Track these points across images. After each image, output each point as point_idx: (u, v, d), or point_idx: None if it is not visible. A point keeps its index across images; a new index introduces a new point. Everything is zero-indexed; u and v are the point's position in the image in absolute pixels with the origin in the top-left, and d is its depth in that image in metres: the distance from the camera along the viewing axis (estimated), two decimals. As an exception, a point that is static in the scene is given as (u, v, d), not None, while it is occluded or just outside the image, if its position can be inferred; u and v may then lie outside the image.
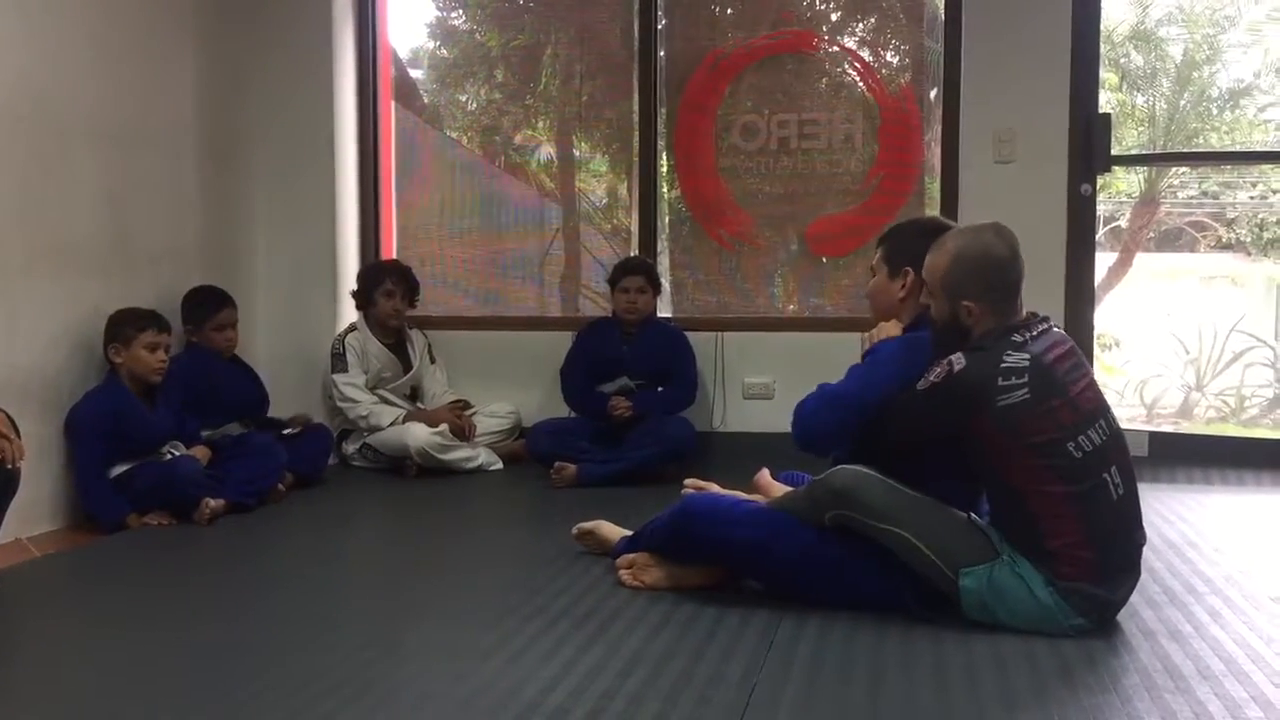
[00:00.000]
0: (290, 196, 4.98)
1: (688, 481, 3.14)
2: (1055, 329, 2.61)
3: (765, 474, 3.08)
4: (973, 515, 2.60)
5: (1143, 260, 7.05)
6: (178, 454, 3.81)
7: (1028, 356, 2.48)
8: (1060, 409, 2.46)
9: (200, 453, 3.87)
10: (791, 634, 2.48)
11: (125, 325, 3.78)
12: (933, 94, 4.94)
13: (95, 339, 3.83)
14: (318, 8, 4.97)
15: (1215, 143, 6.88)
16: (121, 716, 2.10)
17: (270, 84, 4.94)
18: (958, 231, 2.71)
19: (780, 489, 2.96)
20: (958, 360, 2.49)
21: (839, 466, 2.62)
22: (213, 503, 3.65)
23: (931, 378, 2.51)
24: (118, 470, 3.69)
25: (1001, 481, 2.53)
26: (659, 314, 4.83)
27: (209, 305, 4.25)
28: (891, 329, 2.81)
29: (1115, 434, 2.54)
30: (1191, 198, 7.39)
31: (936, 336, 2.64)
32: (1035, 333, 2.54)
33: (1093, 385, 2.57)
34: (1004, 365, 2.46)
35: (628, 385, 4.58)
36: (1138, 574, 2.58)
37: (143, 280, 4.14)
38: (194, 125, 4.53)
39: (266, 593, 2.94)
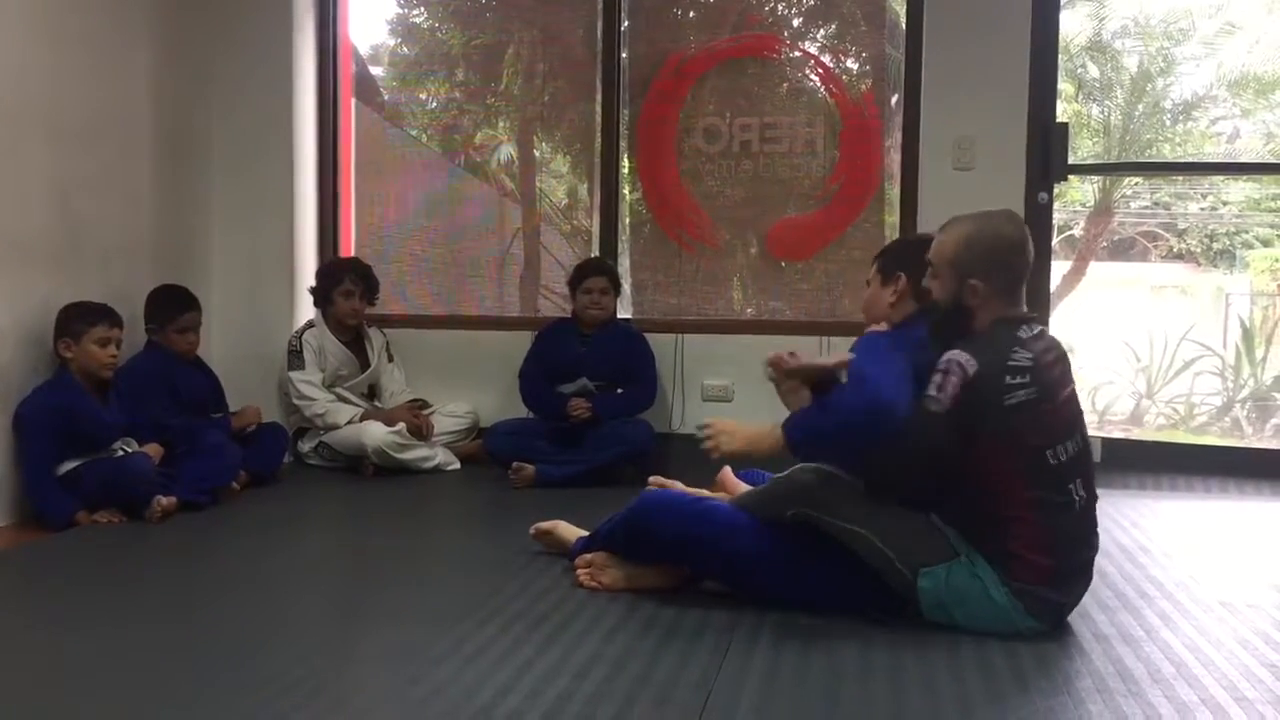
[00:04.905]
0: (247, 192, 4.92)
1: (652, 479, 3.15)
2: (1049, 333, 2.61)
3: (728, 472, 3.09)
4: (933, 516, 2.60)
5: (1096, 269, 7.17)
6: (129, 451, 3.75)
7: (1031, 355, 2.47)
8: (1049, 414, 2.47)
9: (153, 450, 3.81)
10: (749, 636, 2.49)
11: (76, 320, 3.72)
12: (893, 100, 4.97)
13: (45, 333, 3.76)
14: (277, 2, 4.91)
15: (1168, 154, 7.01)
16: (69, 717, 2.06)
17: (228, 78, 4.88)
18: (969, 214, 2.65)
19: (743, 487, 2.97)
20: (968, 363, 2.42)
21: (801, 465, 2.62)
22: (164, 501, 3.60)
23: (950, 389, 2.42)
24: (67, 467, 3.63)
25: (977, 482, 2.49)
26: (619, 315, 4.83)
27: (173, 307, 4.18)
28: (879, 330, 2.80)
29: (1085, 446, 2.55)
30: (1144, 208, 7.51)
31: (938, 320, 2.60)
32: (1035, 332, 2.54)
33: (1074, 396, 2.58)
34: (1010, 363, 2.44)
35: (587, 386, 4.56)
36: (1089, 580, 2.61)
37: (94, 275, 4.07)
38: (149, 118, 4.47)
39: (218, 593, 2.90)
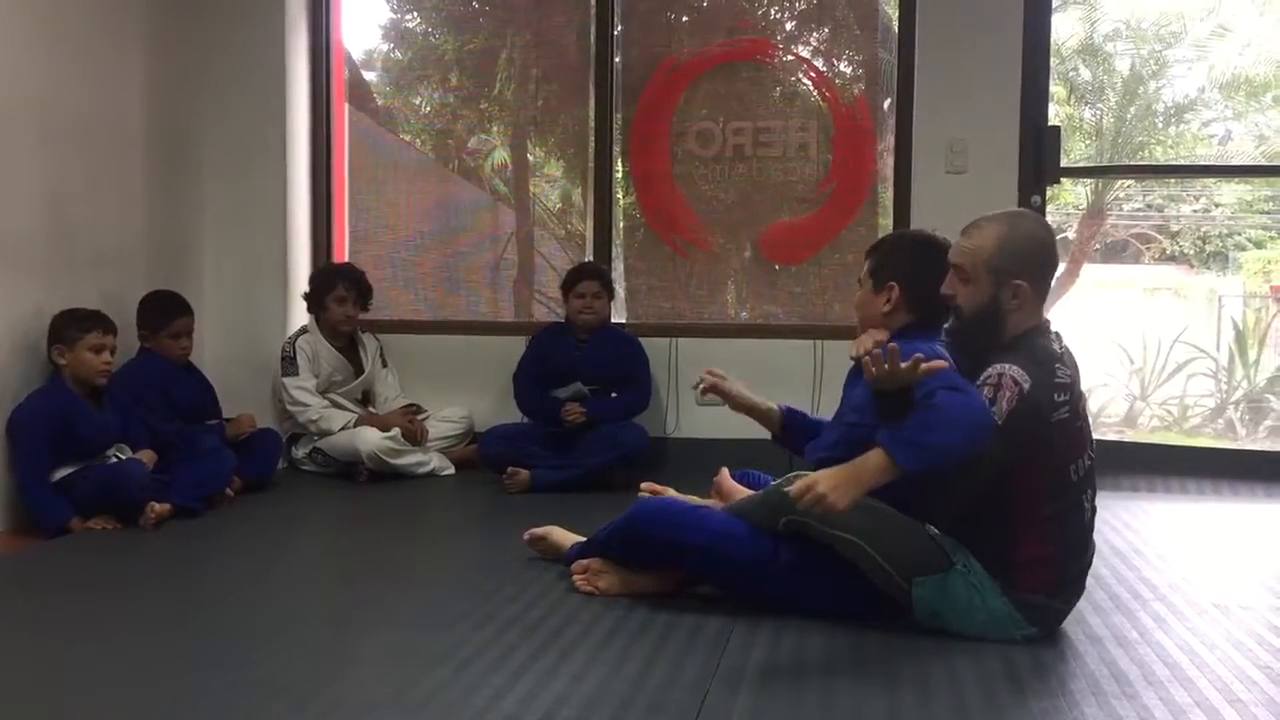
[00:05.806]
0: (240, 197, 4.91)
1: (644, 486, 3.14)
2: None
3: (725, 474, 3.07)
4: (928, 525, 2.59)
5: (1089, 271, 7.17)
6: (123, 457, 3.74)
7: (1070, 372, 2.43)
8: (1081, 430, 2.46)
9: (147, 456, 3.80)
10: (744, 641, 2.49)
11: (69, 326, 3.71)
12: (886, 104, 4.98)
13: (38, 340, 3.75)
14: (271, 6, 4.91)
15: (1160, 156, 7.02)
16: (62, 725, 2.06)
17: (221, 82, 4.88)
18: (994, 216, 2.55)
19: (741, 490, 2.96)
20: (1022, 378, 2.33)
21: (796, 472, 2.62)
22: (158, 507, 3.59)
23: (1004, 404, 2.32)
24: (61, 473, 3.62)
25: (996, 494, 2.43)
26: (613, 319, 4.83)
27: (166, 312, 4.17)
28: (878, 335, 2.77)
29: (1094, 458, 2.53)
30: (1137, 210, 7.53)
31: (965, 325, 2.53)
32: (1062, 344, 2.49)
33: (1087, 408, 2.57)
34: (1056, 380, 2.39)
35: (581, 390, 4.56)
36: (1084, 586, 2.61)
37: (87, 280, 4.06)
38: (142, 122, 4.46)
39: (212, 599, 2.90)
